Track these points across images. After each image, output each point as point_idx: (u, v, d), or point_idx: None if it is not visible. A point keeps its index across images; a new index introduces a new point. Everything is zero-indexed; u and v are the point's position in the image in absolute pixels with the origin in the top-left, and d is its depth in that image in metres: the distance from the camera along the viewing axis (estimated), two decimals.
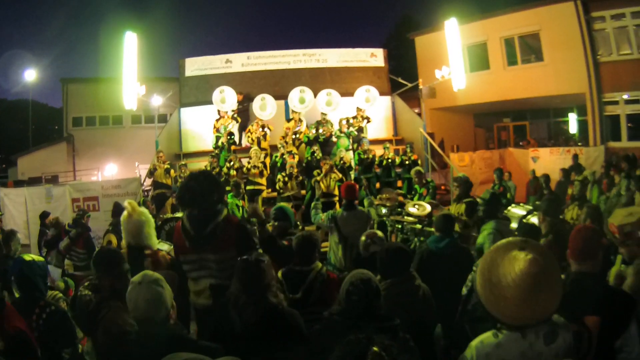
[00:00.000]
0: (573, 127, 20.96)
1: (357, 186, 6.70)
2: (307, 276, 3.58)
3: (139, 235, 3.94)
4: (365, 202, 6.97)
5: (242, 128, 14.01)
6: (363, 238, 4.26)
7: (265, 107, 13.60)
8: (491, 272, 2.02)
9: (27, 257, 3.32)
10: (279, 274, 3.65)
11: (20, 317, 2.94)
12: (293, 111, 13.54)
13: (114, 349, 2.79)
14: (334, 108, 13.51)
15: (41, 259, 3.41)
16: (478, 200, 7.15)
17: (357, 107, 13.26)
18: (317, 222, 6.26)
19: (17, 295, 3.36)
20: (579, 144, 17.91)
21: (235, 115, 13.39)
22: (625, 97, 15.85)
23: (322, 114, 12.99)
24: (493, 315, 2.01)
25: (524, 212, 6.42)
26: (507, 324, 1.99)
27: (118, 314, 2.93)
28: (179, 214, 8.40)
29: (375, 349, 1.47)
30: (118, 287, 3.05)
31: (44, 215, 9.77)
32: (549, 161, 15.00)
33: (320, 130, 12.27)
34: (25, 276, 3.18)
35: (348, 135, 12.32)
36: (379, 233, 4.37)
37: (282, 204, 5.70)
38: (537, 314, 1.96)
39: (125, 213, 4.04)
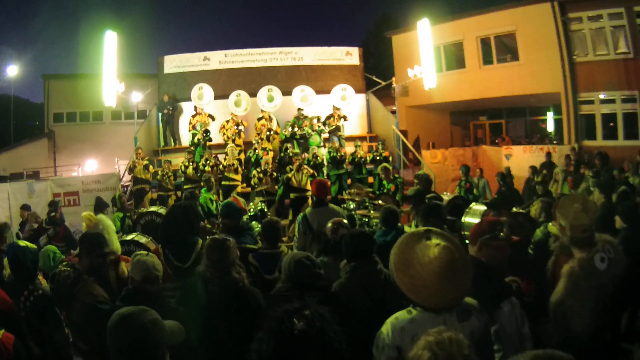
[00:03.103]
0: (550, 126, 21.30)
1: (329, 183, 6.62)
2: (279, 257, 3.94)
3: None
4: None
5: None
6: (329, 224, 4.30)
7: (240, 103, 13.81)
8: (406, 264, 2.19)
9: (22, 243, 3.68)
10: (250, 258, 4.00)
11: (6, 296, 3.28)
12: (262, 110, 13.78)
13: (88, 317, 3.18)
14: (310, 103, 13.77)
15: (34, 246, 3.73)
16: (443, 196, 7.40)
17: (334, 106, 13.48)
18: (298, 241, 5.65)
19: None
20: (554, 142, 18.22)
21: (211, 114, 13.64)
22: (601, 96, 16.10)
23: (299, 109, 13.23)
24: (413, 300, 2.19)
25: (485, 209, 6.63)
26: (426, 307, 2.15)
27: (93, 287, 3.37)
28: (154, 208, 8.64)
29: (306, 311, 1.57)
30: (95, 265, 3.57)
31: (53, 204, 9.75)
32: (522, 159, 15.28)
33: (298, 129, 12.49)
34: (18, 260, 3.52)
35: (319, 133, 12.51)
36: (344, 220, 4.44)
37: (232, 199, 5.69)
38: (456, 297, 2.15)
39: (84, 225, 4.26)
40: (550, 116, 21.04)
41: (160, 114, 14.82)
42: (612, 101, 15.94)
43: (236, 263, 3.26)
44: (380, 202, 8.94)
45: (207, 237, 3.81)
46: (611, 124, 16.10)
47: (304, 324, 1.52)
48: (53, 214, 8.46)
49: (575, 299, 2.82)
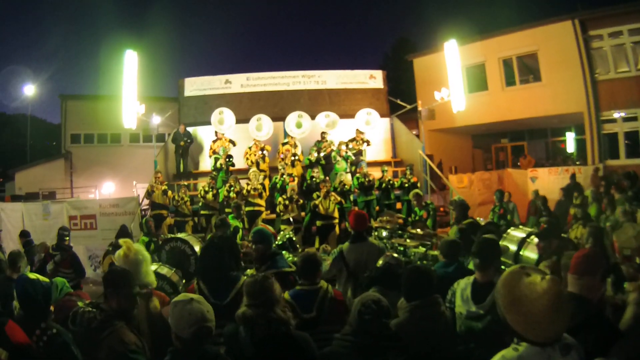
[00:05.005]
0: (571, 146, 20.98)
1: (367, 215, 6.31)
2: (317, 294, 3.58)
3: (136, 274, 3.89)
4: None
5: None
6: (380, 261, 4.02)
7: (261, 127, 13.66)
8: (517, 304, 2.14)
9: (32, 275, 3.27)
10: (286, 295, 3.58)
11: (23, 333, 2.95)
12: (289, 135, 13.62)
13: None
14: (333, 127, 13.60)
15: (46, 279, 3.34)
16: (478, 220, 7.15)
17: (357, 130, 13.29)
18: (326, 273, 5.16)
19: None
20: (577, 162, 17.92)
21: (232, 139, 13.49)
22: (623, 114, 15.89)
23: (323, 132, 13.07)
24: (522, 335, 2.13)
25: (523, 235, 6.36)
26: (535, 342, 2.10)
27: (124, 333, 2.96)
28: (180, 235, 8.41)
29: None
30: (124, 307, 3.11)
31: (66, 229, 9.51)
32: (547, 181, 14.92)
33: (322, 154, 12.32)
34: (28, 295, 3.15)
35: (346, 159, 12.31)
36: (395, 254, 4.17)
37: (262, 226, 5.42)
38: (562, 329, 2.13)
39: (120, 252, 3.98)
40: (570, 137, 20.75)
41: (175, 146, 14.57)
42: (634, 118, 15.76)
43: (280, 301, 2.93)
44: (418, 230, 8.67)
45: (245, 276, 3.57)
46: (626, 142, 15.94)
47: None
48: (67, 238, 8.19)
49: None
